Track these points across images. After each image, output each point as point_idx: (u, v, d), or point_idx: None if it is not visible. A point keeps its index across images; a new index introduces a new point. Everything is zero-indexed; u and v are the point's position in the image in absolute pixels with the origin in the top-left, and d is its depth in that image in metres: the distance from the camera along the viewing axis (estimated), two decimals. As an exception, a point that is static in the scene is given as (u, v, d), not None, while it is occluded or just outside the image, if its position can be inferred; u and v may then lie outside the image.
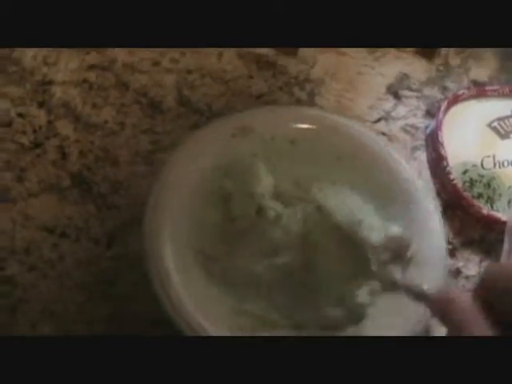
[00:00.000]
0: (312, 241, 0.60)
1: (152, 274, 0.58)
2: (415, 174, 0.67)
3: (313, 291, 0.59)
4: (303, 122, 0.67)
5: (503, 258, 0.65)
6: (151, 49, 0.72)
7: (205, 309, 0.58)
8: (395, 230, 0.61)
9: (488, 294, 0.47)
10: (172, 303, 0.57)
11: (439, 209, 0.68)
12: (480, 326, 0.46)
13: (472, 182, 0.70)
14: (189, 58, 0.73)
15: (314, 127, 0.67)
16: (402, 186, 0.66)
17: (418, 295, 0.54)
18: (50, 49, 0.71)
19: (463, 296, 0.50)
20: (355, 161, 0.66)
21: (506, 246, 0.65)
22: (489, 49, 0.80)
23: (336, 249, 0.60)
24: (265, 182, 0.63)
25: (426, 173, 0.72)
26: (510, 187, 0.70)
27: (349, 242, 0.60)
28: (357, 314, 0.59)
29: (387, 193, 0.66)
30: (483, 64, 0.79)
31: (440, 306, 0.49)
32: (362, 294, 0.60)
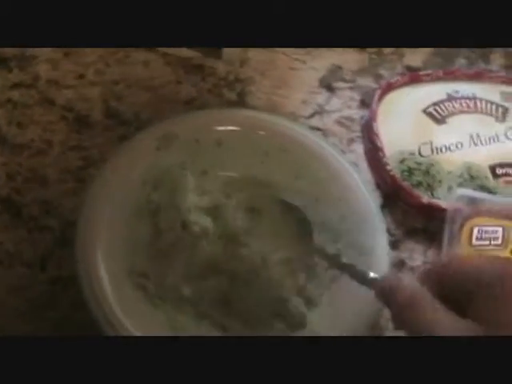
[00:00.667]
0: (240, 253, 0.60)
1: (86, 296, 0.57)
2: (350, 164, 0.67)
3: (246, 305, 0.59)
4: (228, 123, 0.66)
5: (444, 246, 0.65)
6: (76, 62, 0.71)
7: (143, 328, 0.57)
8: None
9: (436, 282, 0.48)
10: (108, 323, 0.56)
11: (377, 200, 0.67)
12: (428, 306, 0.47)
13: (410, 171, 0.69)
14: (114, 68, 0.71)
15: (238, 128, 0.66)
16: (336, 179, 0.66)
17: (363, 278, 0.55)
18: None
19: (409, 279, 0.51)
20: (284, 155, 0.66)
21: (446, 233, 0.65)
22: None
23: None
24: (191, 195, 0.62)
25: (364, 165, 0.70)
26: (449, 173, 0.69)
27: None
28: (296, 323, 0.59)
29: (321, 187, 0.65)
30: (417, 49, 0.78)
31: (386, 289, 0.51)
32: (299, 304, 0.59)
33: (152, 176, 0.62)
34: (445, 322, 0.46)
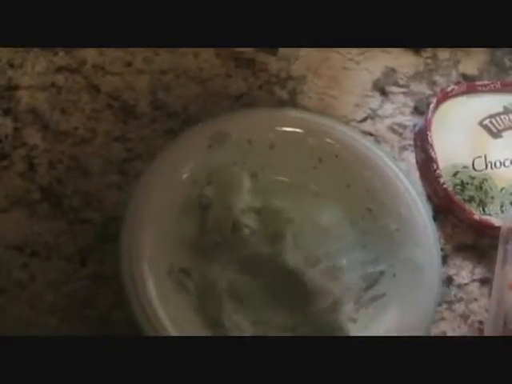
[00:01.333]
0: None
1: (129, 294, 0.55)
2: (403, 173, 0.65)
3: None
4: (281, 125, 0.64)
5: (497, 267, 0.63)
6: (123, 48, 0.68)
7: (182, 326, 0.55)
8: None
9: None
10: (150, 322, 0.54)
11: (430, 211, 0.65)
12: None
13: (463, 185, 0.67)
14: (163, 57, 0.69)
15: (293, 130, 0.64)
16: (390, 188, 0.64)
17: None
18: (15, 50, 0.67)
19: None
20: (337, 162, 0.64)
21: (500, 253, 0.63)
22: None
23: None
24: (246, 196, 0.60)
25: (415, 174, 0.68)
26: (502, 189, 0.67)
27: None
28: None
29: (373, 196, 0.64)
30: (472, 56, 0.75)
31: None
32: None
33: (204, 173, 0.61)
34: None
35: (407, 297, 0.60)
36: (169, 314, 0.55)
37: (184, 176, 0.60)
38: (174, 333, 0.54)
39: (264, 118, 0.64)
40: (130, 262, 0.56)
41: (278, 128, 0.64)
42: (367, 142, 0.65)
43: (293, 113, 0.66)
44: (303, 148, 0.64)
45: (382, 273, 0.61)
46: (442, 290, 0.61)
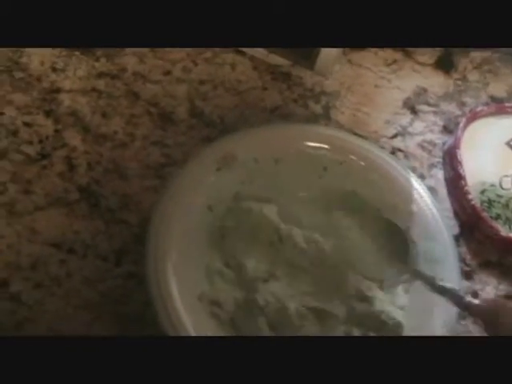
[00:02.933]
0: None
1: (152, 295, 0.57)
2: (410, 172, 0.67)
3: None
4: (285, 140, 0.65)
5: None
6: (162, 58, 0.70)
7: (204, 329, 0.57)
8: None
9: None
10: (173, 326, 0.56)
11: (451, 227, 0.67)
12: None
13: (490, 203, 0.68)
14: (201, 67, 0.71)
15: (294, 145, 0.65)
16: (396, 187, 0.66)
17: (460, 301, 0.56)
18: (58, 55, 0.69)
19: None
20: (342, 168, 0.66)
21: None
22: (508, 64, 0.78)
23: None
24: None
25: (443, 191, 0.69)
26: (528, 208, 0.69)
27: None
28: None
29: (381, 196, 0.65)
30: (502, 79, 0.77)
31: (487, 315, 0.53)
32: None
33: (216, 199, 0.62)
34: None
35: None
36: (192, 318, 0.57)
37: (197, 203, 0.61)
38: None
39: (268, 135, 0.65)
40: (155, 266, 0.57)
41: (282, 143, 0.65)
42: (370, 146, 0.67)
43: (294, 128, 0.68)
44: (307, 159, 0.65)
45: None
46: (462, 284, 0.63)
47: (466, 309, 0.55)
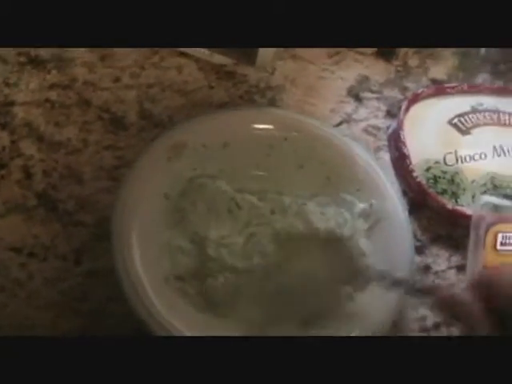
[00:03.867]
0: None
1: (124, 287, 0.58)
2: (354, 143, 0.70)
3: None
4: (231, 125, 0.68)
5: (470, 251, 0.66)
6: (112, 66, 0.73)
7: (179, 313, 0.59)
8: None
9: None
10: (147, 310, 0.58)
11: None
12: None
13: (436, 179, 0.71)
14: (149, 72, 0.73)
15: (241, 128, 0.68)
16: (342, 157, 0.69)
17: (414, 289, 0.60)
18: (11, 70, 0.71)
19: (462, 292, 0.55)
20: (290, 144, 0.69)
21: (471, 239, 0.66)
22: (447, 48, 0.81)
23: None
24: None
25: (391, 173, 0.72)
26: (473, 181, 0.71)
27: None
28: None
29: (329, 166, 0.68)
30: (442, 63, 0.80)
31: (444, 301, 0.55)
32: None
33: (170, 186, 0.65)
34: None
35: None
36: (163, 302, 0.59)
37: (154, 193, 0.64)
38: (171, 322, 0.58)
39: (215, 121, 0.68)
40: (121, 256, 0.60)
41: (229, 127, 0.68)
42: (314, 122, 0.70)
43: (239, 111, 0.71)
44: (253, 140, 0.68)
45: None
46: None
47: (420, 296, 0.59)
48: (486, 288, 0.53)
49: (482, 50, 0.81)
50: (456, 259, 0.69)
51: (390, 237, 0.65)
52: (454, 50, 0.81)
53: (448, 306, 0.55)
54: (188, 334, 0.58)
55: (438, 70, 0.79)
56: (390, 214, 0.66)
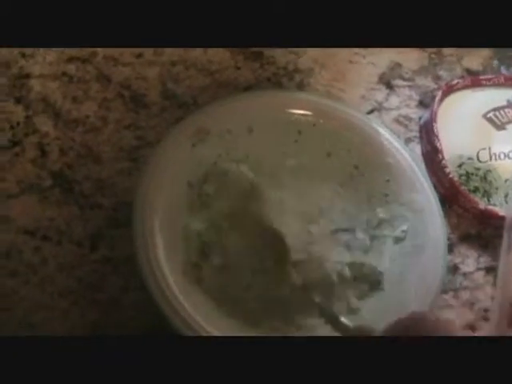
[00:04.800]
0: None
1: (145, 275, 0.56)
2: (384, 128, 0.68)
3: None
4: (257, 108, 0.66)
5: (502, 255, 0.64)
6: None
7: (199, 307, 0.57)
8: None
9: None
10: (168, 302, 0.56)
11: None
12: None
13: (468, 176, 0.68)
14: (173, 49, 0.70)
15: (267, 112, 0.66)
16: (372, 142, 0.67)
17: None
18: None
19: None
20: (319, 130, 0.67)
21: (505, 242, 0.64)
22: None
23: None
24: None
25: (421, 165, 0.69)
26: (506, 180, 0.68)
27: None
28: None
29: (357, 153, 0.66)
30: (476, 52, 0.77)
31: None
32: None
33: (195, 173, 0.62)
34: None
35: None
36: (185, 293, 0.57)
37: (176, 179, 0.61)
38: (189, 313, 0.56)
39: (239, 105, 0.66)
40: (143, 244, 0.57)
41: (254, 112, 0.65)
42: (344, 107, 0.68)
43: (264, 95, 0.68)
44: (281, 125, 0.66)
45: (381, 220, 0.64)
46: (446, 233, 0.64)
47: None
48: None
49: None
50: (485, 260, 0.67)
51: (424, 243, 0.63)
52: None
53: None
54: (207, 326, 0.56)
55: (473, 60, 0.76)
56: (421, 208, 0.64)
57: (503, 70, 0.75)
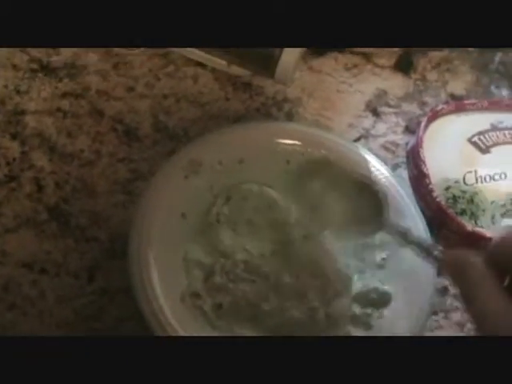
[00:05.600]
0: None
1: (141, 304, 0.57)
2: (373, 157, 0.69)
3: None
4: (247, 140, 0.67)
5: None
6: (125, 75, 0.71)
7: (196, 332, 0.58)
8: None
9: (501, 258, 0.47)
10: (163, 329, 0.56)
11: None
12: (493, 292, 0.46)
13: (455, 199, 0.69)
14: (163, 82, 0.72)
15: (257, 143, 0.67)
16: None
17: (430, 252, 0.56)
18: (22, 77, 0.69)
19: (476, 259, 0.49)
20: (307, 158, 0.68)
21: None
22: (465, 63, 0.80)
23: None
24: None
25: (408, 190, 0.70)
26: (492, 202, 0.70)
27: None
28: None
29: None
30: (460, 77, 0.79)
31: (453, 267, 0.49)
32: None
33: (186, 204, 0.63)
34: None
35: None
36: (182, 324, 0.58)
37: (170, 211, 0.62)
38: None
39: (230, 136, 0.67)
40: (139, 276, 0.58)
41: (244, 143, 0.67)
42: (330, 136, 0.69)
43: (255, 126, 0.69)
44: (270, 154, 0.67)
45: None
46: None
47: (435, 262, 0.55)
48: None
49: (499, 65, 0.80)
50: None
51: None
52: (471, 64, 0.79)
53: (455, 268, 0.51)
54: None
55: (457, 85, 0.78)
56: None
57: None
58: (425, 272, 0.63)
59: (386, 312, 0.62)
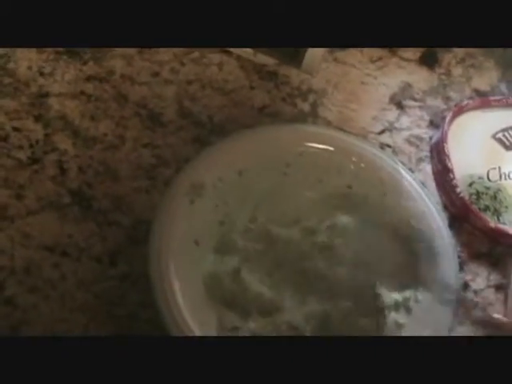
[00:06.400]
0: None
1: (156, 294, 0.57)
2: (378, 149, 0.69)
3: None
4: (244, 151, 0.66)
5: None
6: (150, 59, 0.71)
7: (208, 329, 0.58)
8: None
9: None
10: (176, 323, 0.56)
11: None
12: None
13: (478, 195, 0.69)
14: (188, 68, 0.71)
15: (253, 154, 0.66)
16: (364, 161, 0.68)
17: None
18: (46, 59, 0.69)
19: None
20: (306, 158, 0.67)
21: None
22: (490, 59, 0.79)
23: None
24: None
25: (432, 185, 0.70)
26: (516, 199, 0.70)
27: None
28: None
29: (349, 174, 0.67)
30: (484, 73, 0.78)
31: None
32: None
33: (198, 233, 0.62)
34: None
35: None
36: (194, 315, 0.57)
37: (184, 241, 0.61)
38: (198, 333, 0.57)
39: (226, 151, 0.66)
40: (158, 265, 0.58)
41: (241, 154, 0.66)
42: (331, 132, 0.69)
43: (250, 135, 0.68)
44: (267, 161, 0.66)
45: None
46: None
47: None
48: None
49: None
50: (495, 278, 0.68)
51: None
52: (496, 60, 0.79)
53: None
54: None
55: (481, 81, 0.78)
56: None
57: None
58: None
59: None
